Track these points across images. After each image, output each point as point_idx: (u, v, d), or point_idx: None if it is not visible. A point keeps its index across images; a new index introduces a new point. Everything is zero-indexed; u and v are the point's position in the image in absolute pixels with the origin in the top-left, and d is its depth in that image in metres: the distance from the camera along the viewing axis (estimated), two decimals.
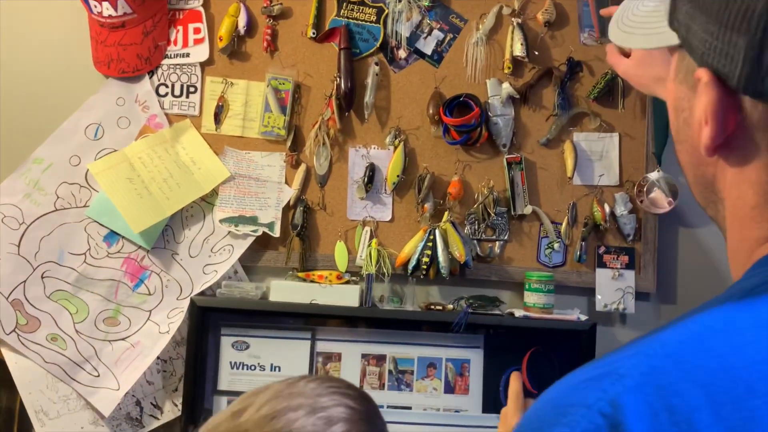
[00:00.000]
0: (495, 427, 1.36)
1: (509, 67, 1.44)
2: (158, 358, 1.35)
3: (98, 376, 1.34)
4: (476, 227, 1.43)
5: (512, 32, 1.44)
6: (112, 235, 1.38)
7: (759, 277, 0.53)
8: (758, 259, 0.54)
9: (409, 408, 1.39)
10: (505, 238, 1.44)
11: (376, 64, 1.43)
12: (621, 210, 1.43)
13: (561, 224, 1.44)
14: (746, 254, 0.56)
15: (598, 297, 1.43)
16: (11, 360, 1.32)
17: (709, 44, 0.50)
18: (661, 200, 1.41)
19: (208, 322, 1.38)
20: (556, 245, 1.44)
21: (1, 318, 1.30)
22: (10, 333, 1.31)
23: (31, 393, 1.32)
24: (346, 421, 0.72)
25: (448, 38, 1.45)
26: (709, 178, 0.57)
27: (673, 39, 0.56)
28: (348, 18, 1.43)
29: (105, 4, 1.32)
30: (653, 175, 1.41)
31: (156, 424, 1.39)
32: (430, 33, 1.45)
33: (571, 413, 0.46)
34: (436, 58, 1.45)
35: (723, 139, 0.52)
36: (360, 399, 0.77)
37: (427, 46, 1.45)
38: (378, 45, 1.43)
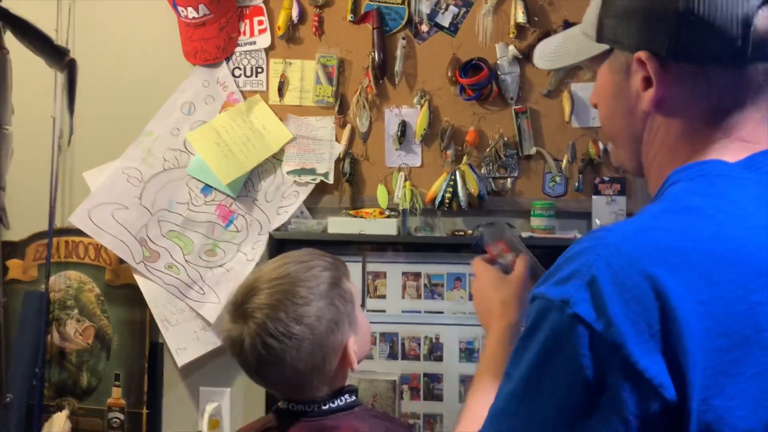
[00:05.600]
0: None
1: (514, 32, 1.73)
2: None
3: (204, 294, 1.78)
4: (491, 167, 1.75)
5: (515, 2, 1.72)
6: (207, 188, 1.80)
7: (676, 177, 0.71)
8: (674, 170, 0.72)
9: (441, 312, 1.75)
10: (515, 174, 1.76)
11: (403, 38, 1.75)
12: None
13: (562, 161, 1.73)
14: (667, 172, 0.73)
15: (596, 220, 1.72)
16: (141, 284, 1.78)
17: (639, 37, 0.71)
18: None
19: (283, 250, 1.77)
20: (558, 178, 1.74)
21: (132, 252, 1.76)
22: (139, 263, 1.77)
23: (157, 307, 1.78)
24: (321, 267, 1.10)
25: (462, 12, 1.75)
26: (639, 134, 0.76)
27: (603, 47, 0.76)
28: (379, 2, 1.76)
29: (189, 8, 1.72)
30: None
31: None
32: (446, 9, 1.75)
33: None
34: (453, 29, 1.76)
35: (664, 93, 0.71)
36: (332, 258, 1.14)
37: (445, 19, 1.76)
38: (404, 22, 1.75)
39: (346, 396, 1.12)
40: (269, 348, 1.02)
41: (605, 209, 1.72)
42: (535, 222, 1.70)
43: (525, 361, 0.64)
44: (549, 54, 0.89)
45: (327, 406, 1.10)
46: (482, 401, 0.93)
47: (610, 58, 0.76)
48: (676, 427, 0.59)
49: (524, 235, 1.70)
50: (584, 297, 0.60)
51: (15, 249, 1.85)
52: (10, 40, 1.53)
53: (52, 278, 1.81)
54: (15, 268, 1.84)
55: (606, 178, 1.73)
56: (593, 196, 1.73)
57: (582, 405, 0.60)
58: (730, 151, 0.71)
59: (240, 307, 1.06)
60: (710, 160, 0.71)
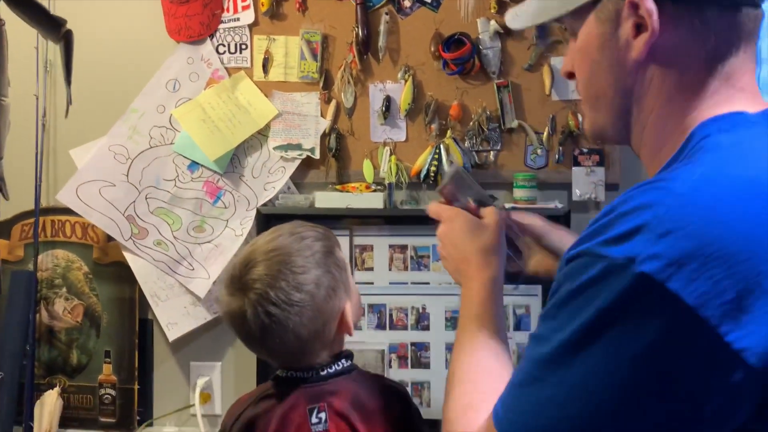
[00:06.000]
0: None
1: (495, 8, 1.75)
2: (235, 254, 1.79)
3: (193, 269, 1.80)
4: (474, 141, 1.79)
5: None
6: (194, 165, 1.81)
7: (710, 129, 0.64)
8: (698, 124, 0.66)
9: (428, 283, 1.79)
10: (498, 148, 1.80)
11: (386, 13, 1.77)
12: None
13: (542, 134, 1.78)
14: (675, 125, 0.68)
15: (576, 190, 1.78)
16: (131, 260, 1.79)
17: None
18: None
19: (271, 225, 1.79)
20: (539, 151, 1.79)
21: (120, 229, 1.77)
22: (128, 240, 1.78)
23: (146, 283, 1.79)
24: (313, 237, 1.12)
25: None
26: (629, 88, 0.71)
27: None
28: None
29: None
30: None
31: None
32: None
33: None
34: (435, 4, 1.78)
35: (659, 38, 0.67)
36: (322, 229, 1.17)
37: None
38: None
39: (343, 361, 1.16)
40: (272, 316, 1.05)
41: (585, 180, 1.77)
42: (518, 193, 1.74)
43: (574, 325, 0.55)
44: (527, 12, 0.84)
45: (325, 372, 1.14)
46: (480, 363, 0.85)
47: (597, 8, 0.73)
48: (762, 396, 0.51)
49: (507, 206, 1.74)
50: (655, 253, 0.53)
51: (0, 229, 1.85)
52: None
53: (39, 257, 1.81)
54: (0, 248, 1.84)
55: (585, 150, 1.77)
56: (573, 168, 1.77)
57: (645, 379, 0.52)
58: (737, 102, 0.68)
59: (239, 280, 1.08)
60: (734, 111, 0.67)
